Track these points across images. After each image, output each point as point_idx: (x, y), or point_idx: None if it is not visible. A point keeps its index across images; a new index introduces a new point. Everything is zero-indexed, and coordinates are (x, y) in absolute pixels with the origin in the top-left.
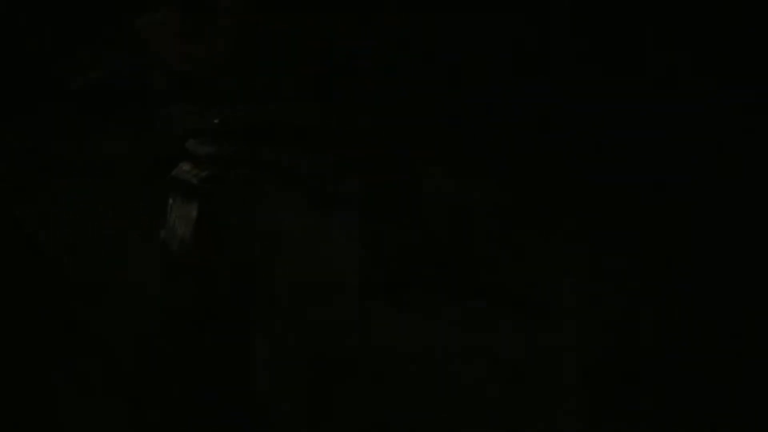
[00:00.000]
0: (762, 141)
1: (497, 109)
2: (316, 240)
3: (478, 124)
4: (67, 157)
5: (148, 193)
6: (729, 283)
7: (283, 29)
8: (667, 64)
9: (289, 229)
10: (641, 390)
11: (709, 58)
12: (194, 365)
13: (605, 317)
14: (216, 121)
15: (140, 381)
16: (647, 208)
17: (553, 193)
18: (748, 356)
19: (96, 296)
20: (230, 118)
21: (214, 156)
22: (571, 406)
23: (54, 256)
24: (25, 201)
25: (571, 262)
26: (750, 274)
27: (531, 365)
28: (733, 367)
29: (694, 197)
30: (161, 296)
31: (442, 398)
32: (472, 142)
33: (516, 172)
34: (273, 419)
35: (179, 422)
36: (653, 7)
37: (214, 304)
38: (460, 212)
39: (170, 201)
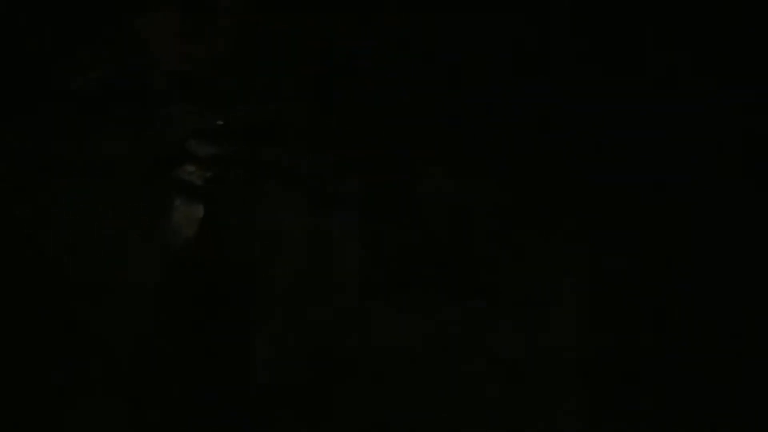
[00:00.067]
0: (762, 141)
1: (497, 109)
2: (316, 240)
3: (478, 124)
4: (67, 157)
5: (148, 193)
6: (729, 283)
7: (283, 29)
8: (667, 64)
9: (289, 229)
10: (641, 390)
11: (709, 58)
12: (194, 365)
13: (605, 317)
14: (220, 122)
15: (140, 381)
16: (647, 208)
17: (553, 193)
18: (748, 356)
19: (96, 296)
20: (232, 119)
21: (218, 157)
22: (571, 406)
23: (54, 256)
24: (25, 201)
25: (571, 262)
26: (750, 274)
27: (531, 365)
28: (733, 367)
29: (694, 197)
30: (162, 296)
31: (442, 398)
32: (472, 142)
33: (516, 172)
34: (273, 419)
35: (179, 422)
36: (653, 7)
37: (214, 304)
38: (460, 212)
39: (174, 202)
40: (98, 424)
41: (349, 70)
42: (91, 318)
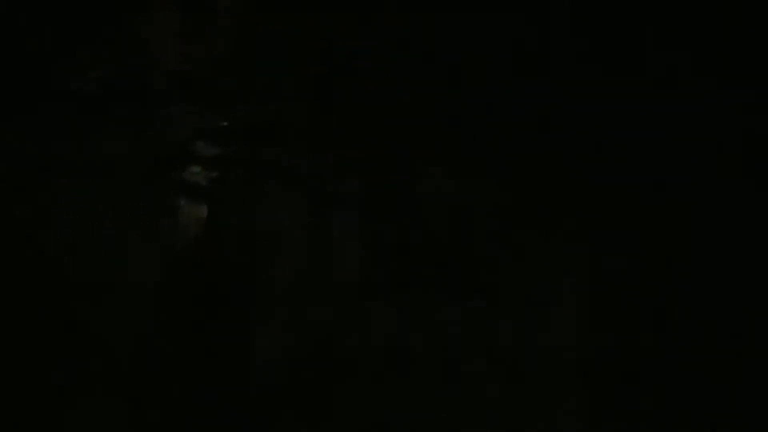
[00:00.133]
0: (762, 141)
1: (497, 109)
2: (316, 240)
3: (478, 124)
4: (67, 157)
5: (148, 193)
6: (729, 283)
7: (283, 29)
8: (667, 64)
9: (289, 229)
10: (641, 390)
11: (709, 58)
12: (194, 365)
13: (605, 317)
14: (224, 123)
15: (140, 381)
16: (647, 208)
17: (553, 193)
18: (748, 356)
19: (96, 296)
20: (234, 119)
21: (220, 157)
22: (571, 406)
23: (54, 256)
24: (25, 201)
25: (571, 262)
26: (750, 274)
27: (531, 365)
28: (733, 367)
29: (694, 197)
30: (162, 296)
31: (442, 397)
32: (472, 142)
33: (516, 172)
34: (273, 419)
35: (179, 422)
36: (653, 7)
37: (214, 304)
38: (460, 212)
39: (176, 202)
40: (98, 424)
41: (349, 70)
42: (91, 318)
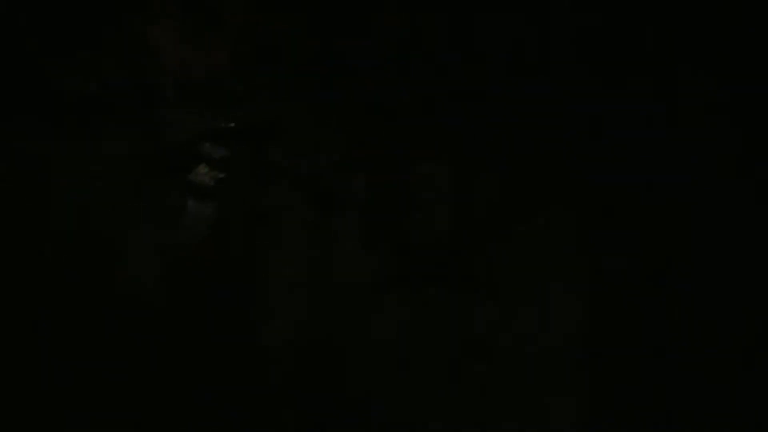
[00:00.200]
0: (762, 141)
1: (497, 109)
2: (316, 239)
3: (478, 123)
4: (67, 157)
5: (148, 193)
6: (729, 283)
7: (283, 29)
8: (667, 64)
9: (289, 228)
10: (641, 390)
11: (709, 58)
12: (194, 365)
13: (605, 317)
14: (227, 124)
15: (140, 381)
16: (647, 208)
17: (553, 192)
18: (748, 356)
19: (96, 296)
20: (237, 120)
21: (228, 158)
22: (570, 405)
23: (54, 256)
24: (25, 201)
25: (571, 262)
26: (750, 274)
27: (531, 364)
28: (733, 367)
29: (694, 197)
30: (165, 296)
31: (442, 397)
32: (472, 142)
33: (516, 172)
34: (274, 418)
35: (180, 422)
36: (653, 7)
37: (215, 304)
38: (459, 212)
39: (178, 202)
40: (98, 424)
41: (349, 70)
42: (92, 318)
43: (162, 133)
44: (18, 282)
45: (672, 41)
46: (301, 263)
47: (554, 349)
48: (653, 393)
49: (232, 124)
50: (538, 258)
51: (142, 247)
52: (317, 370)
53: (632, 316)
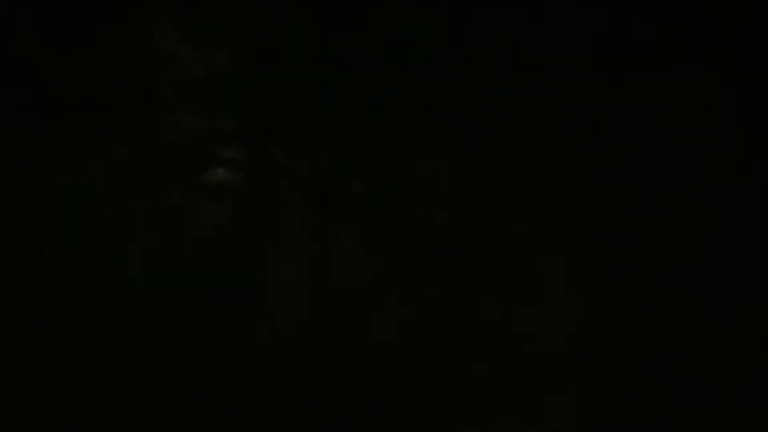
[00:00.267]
0: (762, 141)
1: (497, 109)
2: (316, 239)
3: (478, 123)
4: (67, 157)
5: (148, 193)
6: (729, 283)
7: (283, 29)
8: (667, 64)
9: (290, 228)
10: (641, 390)
11: (709, 58)
12: (195, 364)
13: (605, 317)
14: (228, 125)
15: (140, 380)
16: (647, 208)
17: (553, 192)
18: (748, 356)
19: (96, 296)
20: (239, 121)
21: (227, 159)
22: (570, 405)
23: (54, 256)
24: (25, 201)
25: (572, 262)
26: (749, 274)
27: (531, 364)
28: (733, 367)
29: (694, 197)
30: (164, 296)
31: (442, 396)
32: (472, 142)
33: (516, 172)
34: (275, 416)
35: (180, 422)
36: (653, 7)
37: (215, 303)
38: (459, 212)
39: (180, 203)
40: (98, 424)
41: (349, 70)
42: (92, 318)
43: (169, 133)
44: (18, 282)
45: (672, 41)
46: (301, 263)
47: (554, 349)
48: (653, 393)
49: (229, 125)
50: (538, 258)
51: (142, 247)
52: (317, 370)
53: (632, 316)
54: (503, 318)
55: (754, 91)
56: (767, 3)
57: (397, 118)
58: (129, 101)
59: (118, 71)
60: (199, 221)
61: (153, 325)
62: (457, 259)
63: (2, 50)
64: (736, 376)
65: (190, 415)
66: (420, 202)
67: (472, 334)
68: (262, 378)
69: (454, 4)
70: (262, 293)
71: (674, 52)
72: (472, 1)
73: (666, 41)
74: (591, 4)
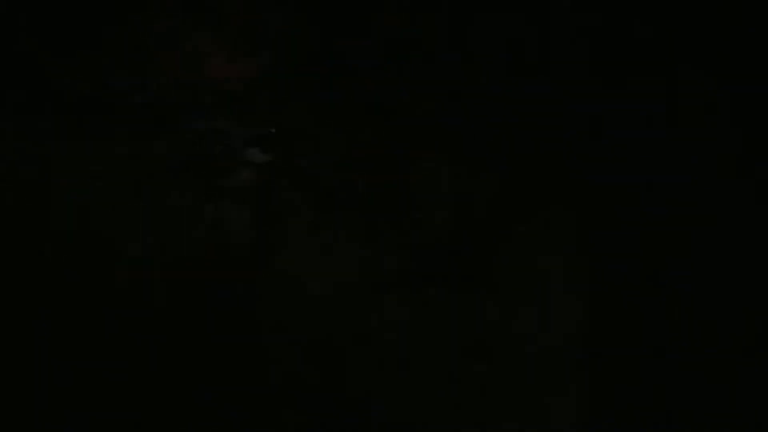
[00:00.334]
0: (762, 141)
1: (497, 109)
2: (317, 239)
3: (478, 123)
4: (67, 157)
5: (148, 193)
6: (729, 283)
7: (283, 30)
8: (667, 64)
9: (291, 228)
10: (641, 390)
11: (709, 58)
12: (195, 364)
13: (605, 317)
14: (272, 130)
15: (141, 381)
16: (647, 208)
17: (553, 192)
18: (748, 356)
19: (97, 296)
20: (241, 122)
21: (267, 163)
22: (570, 405)
23: (54, 256)
24: (25, 201)
25: (571, 262)
26: (749, 274)
27: (531, 364)
28: (733, 367)
29: (694, 197)
30: (164, 296)
31: (442, 396)
32: (472, 142)
33: (516, 172)
34: (275, 416)
35: (179, 422)
36: (653, 7)
37: (216, 303)
38: (460, 211)
39: (181, 203)
40: (98, 424)
41: (349, 70)
42: (92, 318)
43: (165, 134)
44: (18, 281)
45: (672, 41)
46: (302, 263)
47: (554, 349)
48: (653, 393)
49: (235, 128)
50: (538, 258)
51: (142, 247)
52: (317, 370)
53: (632, 316)
54: (503, 318)
55: (754, 91)
56: (767, 3)
57: (397, 118)
58: (129, 101)
59: (118, 71)
60: (200, 221)
61: (153, 325)
62: (457, 259)
63: (2, 50)
64: (736, 376)
65: (191, 414)
66: (420, 202)
67: (472, 334)
68: (262, 378)
69: (454, 4)
70: (263, 293)
71: (674, 52)
72: (472, 1)
73: (666, 41)
74: (591, 4)
